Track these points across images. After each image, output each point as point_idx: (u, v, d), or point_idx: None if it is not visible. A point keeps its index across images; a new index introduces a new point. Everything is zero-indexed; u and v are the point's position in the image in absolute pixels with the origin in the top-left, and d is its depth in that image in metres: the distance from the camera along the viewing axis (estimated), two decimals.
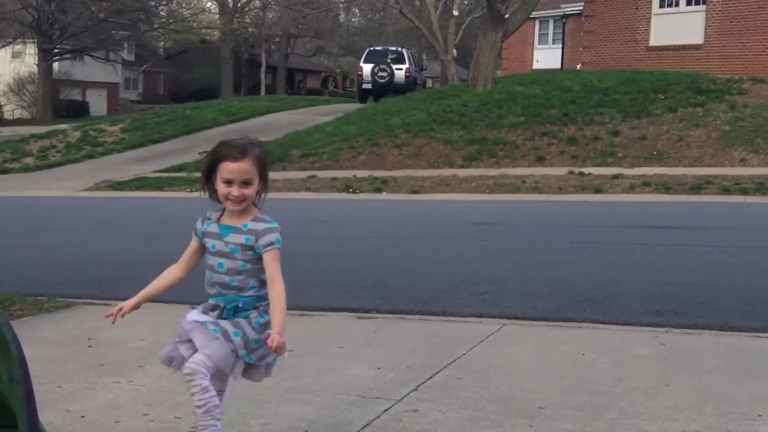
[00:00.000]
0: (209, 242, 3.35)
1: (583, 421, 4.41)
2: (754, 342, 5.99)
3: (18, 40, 47.31)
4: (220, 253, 3.32)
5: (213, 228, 3.35)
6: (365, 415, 4.31)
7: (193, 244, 3.45)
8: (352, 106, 29.55)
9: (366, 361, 5.34)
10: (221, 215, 3.36)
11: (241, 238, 3.28)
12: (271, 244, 3.27)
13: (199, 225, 3.42)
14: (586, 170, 17.59)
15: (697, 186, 15.54)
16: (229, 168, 3.18)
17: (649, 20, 27.51)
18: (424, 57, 54.46)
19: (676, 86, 21.95)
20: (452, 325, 6.28)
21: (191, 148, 23.30)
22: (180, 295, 7.54)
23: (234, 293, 3.35)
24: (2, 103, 51.40)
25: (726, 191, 15.05)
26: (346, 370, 5.17)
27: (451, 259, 9.36)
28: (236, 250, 3.28)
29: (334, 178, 18.03)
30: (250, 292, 3.37)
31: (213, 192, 3.28)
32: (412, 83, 32.35)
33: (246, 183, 3.19)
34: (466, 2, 40.67)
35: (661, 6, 27.29)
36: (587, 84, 23.10)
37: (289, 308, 6.78)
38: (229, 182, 3.19)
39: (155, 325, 6.29)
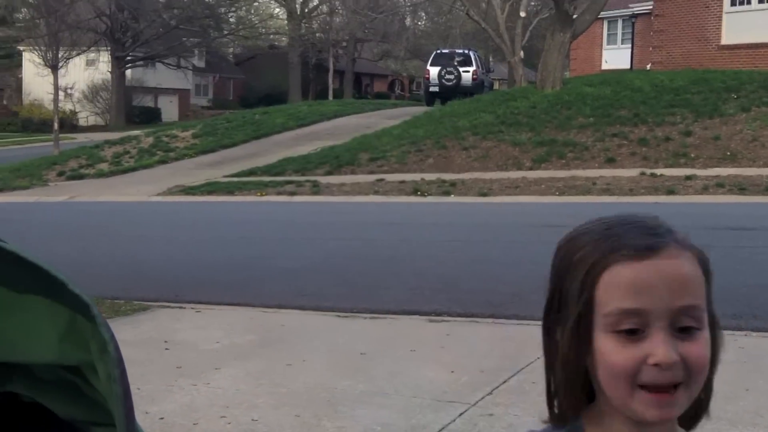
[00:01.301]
0: None
1: None
2: None
3: (92, 48, 48.49)
4: None
5: None
6: (440, 419, 4.31)
7: None
8: (420, 109, 29.57)
9: (440, 364, 5.34)
10: None
11: None
12: None
13: None
14: (657, 171, 17.30)
15: None
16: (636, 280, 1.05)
17: (720, 18, 26.94)
18: (491, 59, 54.19)
19: (749, 85, 21.43)
20: (525, 328, 6.24)
21: (261, 153, 23.59)
22: (251, 297, 7.67)
23: None
24: (77, 110, 52.72)
25: None
26: (419, 373, 5.18)
27: (522, 262, 9.30)
28: None
29: (402, 181, 18.06)
30: None
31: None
32: (479, 85, 32.23)
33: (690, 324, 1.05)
34: (533, 3, 40.40)
35: (733, 4, 26.70)
36: (657, 84, 22.71)
37: (360, 311, 6.86)
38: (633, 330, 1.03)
39: (229, 327, 6.40)
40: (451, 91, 31.27)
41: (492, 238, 11.32)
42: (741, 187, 15.35)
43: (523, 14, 33.81)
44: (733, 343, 5.86)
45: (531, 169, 18.62)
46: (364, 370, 5.14)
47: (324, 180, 18.87)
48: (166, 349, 5.85)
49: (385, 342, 5.93)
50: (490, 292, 7.71)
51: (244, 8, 64.79)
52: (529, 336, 5.99)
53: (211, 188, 18.77)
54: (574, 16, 25.03)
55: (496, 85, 45.57)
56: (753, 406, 4.62)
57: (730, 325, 6.36)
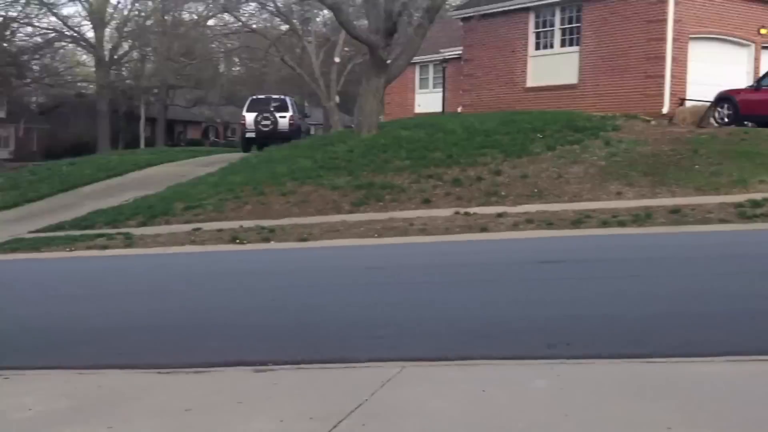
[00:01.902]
0: None
1: None
2: (644, 367, 6.17)
3: None
4: None
5: None
6: None
7: None
8: (236, 156, 29.32)
9: (268, 415, 5.23)
10: None
11: None
12: None
13: None
14: (471, 210, 17.90)
15: (578, 221, 16.00)
16: None
17: (525, 62, 28.45)
18: (306, 104, 54.68)
19: (553, 125, 22.67)
20: (353, 371, 6.23)
21: (69, 206, 22.60)
22: (64, 360, 7.27)
23: None
24: None
25: (605, 224, 15.55)
26: (248, 426, 5.06)
27: (345, 304, 9.32)
28: None
29: (220, 230, 17.77)
30: None
31: None
32: (296, 131, 32.37)
33: None
34: (347, 48, 41.19)
35: (537, 48, 28.27)
36: (469, 126, 23.61)
37: (181, 365, 6.63)
38: None
39: (42, 392, 6.02)
40: (267, 137, 31.24)
41: (313, 282, 11.30)
42: (549, 222, 16.10)
43: (337, 59, 34.42)
44: (551, 371, 6.09)
45: (350, 212, 18.80)
46: (191, 427, 4.97)
47: (137, 231, 18.28)
48: None
49: (211, 396, 5.75)
50: (315, 338, 7.66)
51: (48, 56, 62.29)
52: (356, 378, 5.99)
53: (15, 245, 17.77)
54: (388, 62, 25.69)
55: (312, 130, 45.92)
56: (574, 430, 4.79)
57: (546, 354, 6.61)
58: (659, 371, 6.04)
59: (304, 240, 16.28)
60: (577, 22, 26.97)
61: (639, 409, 5.16)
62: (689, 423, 4.86)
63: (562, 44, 27.52)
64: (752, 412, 4.99)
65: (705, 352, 6.44)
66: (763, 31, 26.46)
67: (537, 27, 28.21)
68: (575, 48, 26.94)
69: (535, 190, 18.81)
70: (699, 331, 7.20)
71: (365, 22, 28.05)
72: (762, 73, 24.34)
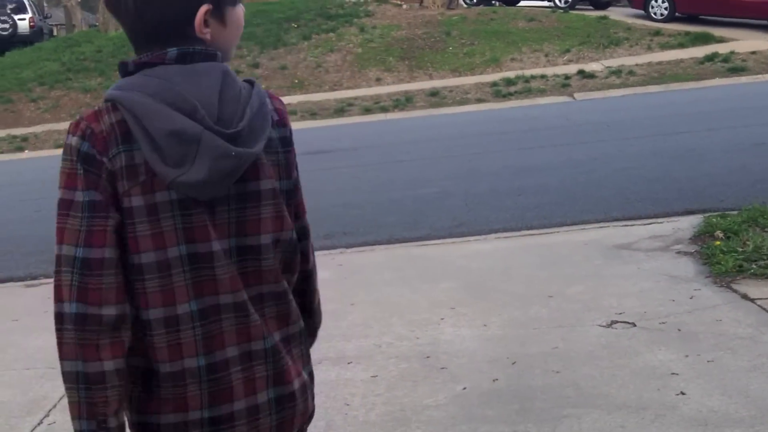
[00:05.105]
0: None
1: None
2: (420, 250, 6.33)
3: None
4: None
5: None
6: (59, 387, 3.95)
7: None
8: None
9: (48, 331, 4.89)
10: None
11: None
12: None
13: None
14: None
15: (340, 109, 16.07)
16: None
17: None
18: (45, 4, 50.77)
19: (306, 14, 22.38)
20: None
21: None
22: None
23: None
24: None
25: (368, 111, 15.72)
26: (28, 343, 4.80)
27: None
28: None
29: None
30: None
31: None
32: (38, 33, 29.99)
33: None
34: None
35: None
36: None
37: None
38: None
39: None
40: (7, 42, 28.78)
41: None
42: (312, 112, 16.06)
43: None
44: (332, 261, 6.09)
45: None
46: None
47: None
48: None
49: None
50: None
51: None
52: None
53: None
54: None
55: (55, 32, 42.83)
56: (361, 319, 4.83)
57: (325, 245, 6.60)
58: (435, 253, 6.21)
59: (60, 147, 15.29)
60: None
61: (421, 292, 5.28)
62: (469, 300, 5.03)
63: None
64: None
65: (476, 231, 6.68)
66: None
67: None
68: None
69: (296, 81, 18.65)
70: (471, 211, 7.46)
71: None
72: None
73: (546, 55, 18.30)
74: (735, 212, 6.06)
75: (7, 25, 28.92)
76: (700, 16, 19.94)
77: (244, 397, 1.51)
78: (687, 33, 18.46)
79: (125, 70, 1.49)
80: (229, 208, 1.49)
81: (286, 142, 1.59)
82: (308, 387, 1.63)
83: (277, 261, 1.56)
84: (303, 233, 1.67)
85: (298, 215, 1.66)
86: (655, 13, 20.23)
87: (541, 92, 15.67)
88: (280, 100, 1.62)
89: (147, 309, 1.45)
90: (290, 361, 1.57)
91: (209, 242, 1.46)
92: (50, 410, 3.93)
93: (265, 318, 1.54)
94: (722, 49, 16.81)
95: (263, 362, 1.52)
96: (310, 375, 1.66)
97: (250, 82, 1.53)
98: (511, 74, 16.98)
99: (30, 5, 31.08)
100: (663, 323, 4.32)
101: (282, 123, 1.59)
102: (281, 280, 1.57)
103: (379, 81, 18.25)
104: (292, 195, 1.61)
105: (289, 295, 1.59)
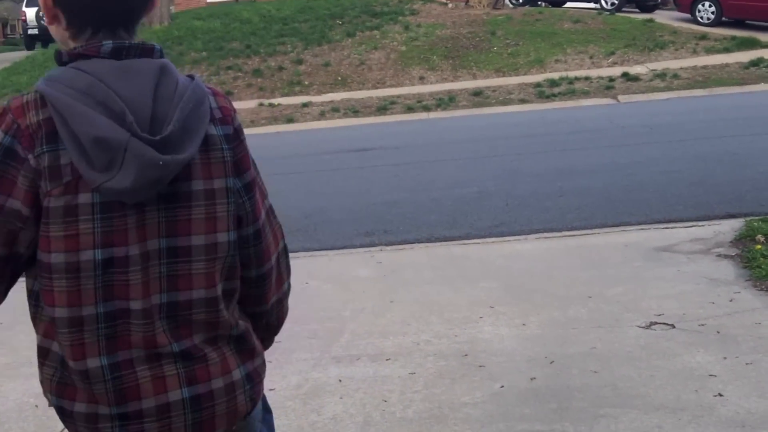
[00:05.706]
0: None
1: (319, 348, 4.45)
2: (461, 249, 6.36)
3: None
4: None
5: None
6: None
7: None
8: (19, 54, 27.34)
9: None
10: None
11: None
12: None
13: None
14: (275, 101, 17.62)
15: (383, 107, 16.12)
16: None
17: None
18: None
19: (351, 11, 22.48)
20: None
21: None
22: None
23: None
24: None
25: (410, 109, 15.75)
26: None
27: None
28: None
29: None
30: None
31: None
32: None
33: None
34: None
35: None
36: (265, 14, 23.01)
37: None
38: None
39: None
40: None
41: None
42: (354, 110, 16.13)
43: None
44: (371, 259, 6.15)
45: None
46: (4, 342, 4.71)
47: None
48: None
49: (23, 309, 5.45)
50: None
51: None
52: None
53: None
54: None
55: None
56: (400, 317, 4.87)
57: (365, 242, 6.67)
58: (475, 252, 6.24)
59: None
60: None
61: (461, 292, 5.32)
62: (509, 299, 5.06)
63: None
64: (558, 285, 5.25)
65: (517, 231, 6.70)
66: None
67: None
68: None
69: (339, 78, 18.73)
70: (512, 212, 7.47)
71: None
72: None
73: (590, 57, 18.20)
74: None
75: None
76: (747, 21, 19.73)
77: (153, 395, 1.48)
78: (733, 38, 18.27)
79: (60, 60, 1.46)
80: (158, 208, 1.45)
81: (231, 139, 1.55)
82: (240, 386, 1.55)
83: (214, 265, 1.51)
84: (256, 236, 1.60)
85: (254, 216, 1.60)
86: (701, 17, 20.02)
87: (585, 94, 15.60)
88: (226, 97, 1.59)
89: (53, 307, 1.45)
90: (215, 358, 1.52)
91: (126, 246, 1.43)
92: None
93: (191, 323, 1.50)
94: None
95: (173, 362, 1.48)
96: (250, 374, 1.58)
97: (191, 78, 1.50)
98: (555, 75, 16.93)
99: None
100: (702, 325, 4.32)
101: (225, 121, 1.55)
102: (215, 285, 1.52)
103: (422, 80, 18.28)
104: (244, 193, 1.57)
105: (220, 303, 1.53)
